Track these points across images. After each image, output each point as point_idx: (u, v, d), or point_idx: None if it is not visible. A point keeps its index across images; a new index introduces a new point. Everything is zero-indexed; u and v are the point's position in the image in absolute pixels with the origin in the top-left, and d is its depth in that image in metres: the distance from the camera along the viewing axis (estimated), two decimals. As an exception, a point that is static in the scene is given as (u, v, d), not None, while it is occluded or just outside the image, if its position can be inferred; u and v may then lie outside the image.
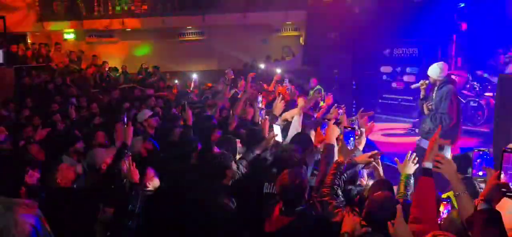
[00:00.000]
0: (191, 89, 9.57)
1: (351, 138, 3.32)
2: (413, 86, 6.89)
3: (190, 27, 16.72)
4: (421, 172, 2.68)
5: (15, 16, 13.46)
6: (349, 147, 3.29)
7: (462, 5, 10.92)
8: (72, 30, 16.18)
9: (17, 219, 2.78)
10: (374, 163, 3.53)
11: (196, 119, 5.96)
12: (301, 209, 2.96)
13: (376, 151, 3.56)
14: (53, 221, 3.03)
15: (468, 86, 10.60)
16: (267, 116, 4.82)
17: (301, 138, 4.18)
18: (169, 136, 5.10)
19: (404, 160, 3.31)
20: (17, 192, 2.89)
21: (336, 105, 5.67)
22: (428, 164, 2.62)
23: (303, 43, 16.28)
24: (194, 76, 10.23)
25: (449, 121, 5.71)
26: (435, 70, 5.96)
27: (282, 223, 2.97)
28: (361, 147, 4.01)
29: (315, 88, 10.40)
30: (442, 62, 6.13)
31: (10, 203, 2.79)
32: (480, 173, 2.58)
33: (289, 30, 16.92)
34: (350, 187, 3.46)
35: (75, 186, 3.63)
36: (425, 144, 5.75)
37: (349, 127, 3.36)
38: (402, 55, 11.49)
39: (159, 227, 3.16)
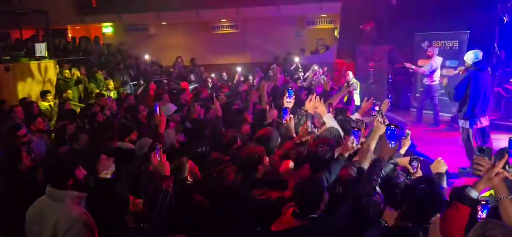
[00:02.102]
0: (235, 81, 9.66)
1: (392, 135, 3.20)
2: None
3: (224, 20, 16.81)
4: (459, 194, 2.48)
5: (57, 11, 13.93)
6: (391, 145, 3.19)
7: (507, -5, 10.42)
8: (110, 23, 16.63)
9: (68, 211, 2.86)
10: (412, 170, 3.44)
11: (229, 112, 6.00)
12: (315, 217, 2.88)
13: (415, 157, 3.47)
14: (92, 210, 3.14)
15: (511, 80, 10.15)
16: (291, 115, 4.68)
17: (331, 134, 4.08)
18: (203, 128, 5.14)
19: (435, 161, 3.28)
20: (64, 184, 2.93)
21: (366, 98, 5.54)
22: (473, 193, 2.41)
23: (337, 36, 16.04)
24: (239, 69, 10.34)
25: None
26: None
27: (290, 225, 2.91)
28: (403, 151, 3.88)
29: (350, 82, 10.24)
30: (476, 50, 6.92)
31: (60, 196, 2.90)
32: None
33: (324, 22, 16.70)
34: (402, 179, 3.37)
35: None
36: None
37: (392, 125, 3.24)
38: (442, 47, 11.09)
39: (191, 218, 3.19)
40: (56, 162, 3.06)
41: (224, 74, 11.80)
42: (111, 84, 10.32)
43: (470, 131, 6.86)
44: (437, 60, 9.88)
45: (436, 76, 9.88)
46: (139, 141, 4.52)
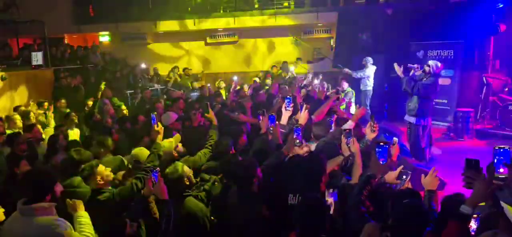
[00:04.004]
0: (231, 90, 9.66)
1: (382, 152, 3.19)
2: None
3: (221, 29, 16.87)
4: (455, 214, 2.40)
5: (54, 20, 13.93)
6: (381, 162, 3.17)
7: (501, 5, 10.52)
8: (107, 32, 16.63)
9: (38, 224, 2.83)
10: (403, 182, 3.42)
11: (227, 121, 5.99)
12: None
13: (401, 168, 3.44)
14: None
15: (506, 89, 10.22)
16: (277, 122, 4.66)
17: (328, 148, 4.06)
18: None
19: (428, 175, 3.20)
20: (42, 200, 2.93)
21: (358, 105, 5.59)
22: (467, 210, 2.31)
23: (334, 45, 16.13)
24: (235, 78, 10.36)
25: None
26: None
27: None
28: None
29: (346, 91, 10.29)
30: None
31: (29, 210, 2.86)
32: (501, 170, 2.45)
33: (320, 32, 16.79)
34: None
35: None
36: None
37: (382, 143, 3.24)
38: (437, 57, 11.16)
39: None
40: (34, 179, 3.03)
41: (222, 83, 11.83)
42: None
43: (426, 128, 7.90)
44: (371, 69, 11.08)
45: (370, 82, 11.09)
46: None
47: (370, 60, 11.13)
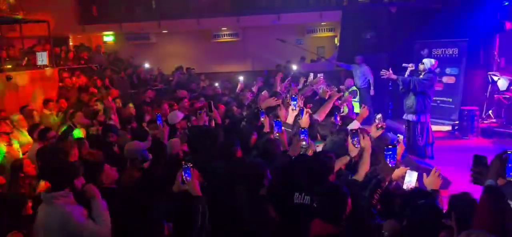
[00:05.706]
0: (237, 90, 9.66)
1: (392, 155, 3.21)
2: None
3: (224, 28, 16.88)
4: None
5: (58, 20, 13.97)
6: (391, 165, 3.19)
7: (506, 3, 10.47)
8: (111, 32, 16.69)
9: (56, 211, 2.94)
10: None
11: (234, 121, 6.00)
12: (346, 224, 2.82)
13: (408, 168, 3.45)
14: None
15: (512, 87, 10.18)
16: (284, 128, 4.59)
17: (336, 147, 4.05)
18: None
19: (430, 175, 3.21)
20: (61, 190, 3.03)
21: (363, 105, 5.61)
22: (491, 182, 2.29)
23: (338, 44, 16.10)
24: (241, 78, 10.36)
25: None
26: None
27: (327, 232, 2.82)
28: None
29: (350, 90, 10.27)
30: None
31: (48, 198, 3.01)
32: None
33: (324, 31, 16.76)
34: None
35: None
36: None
37: (391, 145, 3.26)
38: (441, 55, 11.11)
39: None
40: (57, 170, 3.12)
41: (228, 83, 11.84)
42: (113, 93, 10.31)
43: (425, 125, 7.96)
44: (362, 67, 11.41)
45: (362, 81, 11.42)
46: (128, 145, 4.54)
47: (359, 59, 11.39)
